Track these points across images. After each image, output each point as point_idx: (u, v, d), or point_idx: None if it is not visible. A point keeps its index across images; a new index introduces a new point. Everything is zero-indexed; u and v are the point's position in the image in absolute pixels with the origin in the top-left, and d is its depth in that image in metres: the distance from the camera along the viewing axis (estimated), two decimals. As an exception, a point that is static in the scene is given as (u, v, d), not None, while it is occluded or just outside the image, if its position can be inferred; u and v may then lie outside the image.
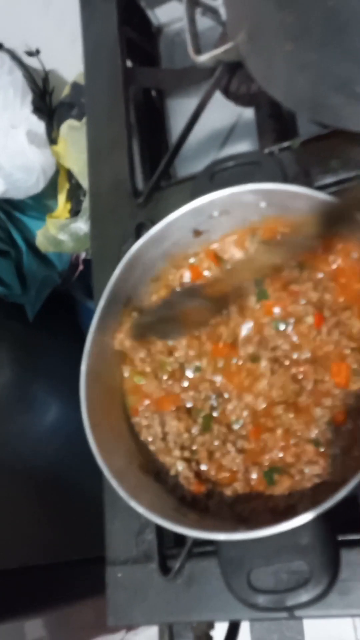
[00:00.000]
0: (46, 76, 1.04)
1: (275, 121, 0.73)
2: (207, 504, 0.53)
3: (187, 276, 0.60)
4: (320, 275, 0.52)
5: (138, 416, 0.57)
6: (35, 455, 1.13)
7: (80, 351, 0.55)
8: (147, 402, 0.57)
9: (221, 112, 0.84)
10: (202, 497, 0.54)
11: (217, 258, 0.59)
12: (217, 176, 0.58)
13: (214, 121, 0.85)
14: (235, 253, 0.59)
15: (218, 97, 0.78)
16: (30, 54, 1.02)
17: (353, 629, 1.28)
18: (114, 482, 0.49)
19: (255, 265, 0.52)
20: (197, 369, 0.56)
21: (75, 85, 0.96)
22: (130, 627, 1.24)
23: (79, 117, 0.93)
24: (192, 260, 0.60)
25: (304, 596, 0.43)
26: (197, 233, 0.57)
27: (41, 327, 1.22)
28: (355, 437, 0.48)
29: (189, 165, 0.83)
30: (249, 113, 0.83)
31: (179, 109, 0.91)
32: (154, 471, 0.55)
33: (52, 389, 1.21)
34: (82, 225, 0.92)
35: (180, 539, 0.61)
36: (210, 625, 0.61)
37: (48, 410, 1.19)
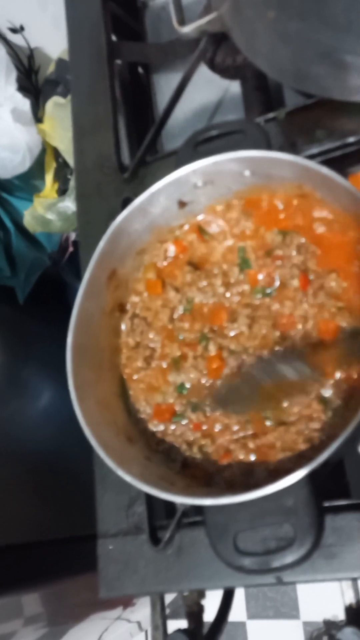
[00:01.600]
0: (31, 53, 1.02)
1: (262, 93, 0.73)
2: (196, 473, 0.54)
3: (171, 250, 0.60)
4: (302, 240, 0.52)
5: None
6: (28, 438, 1.13)
7: None
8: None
9: (207, 87, 0.83)
10: (193, 466, 0.54)
11: (202, 231, 0.59)
12: (201, 147, 0.58)
13: (200, 97, 0.84)
14: (220, 225, 0.59)
15: (204, 73, 0.78)
16: (14, 30, 1.01)
17: (343, 605, 1.30)
18: (101, 453, 0.49)
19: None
20: None
21: (60, 62, 0.95)
22: (127, 605, 1.25)
23: (64, 94, 0.92)
24: (177, 233, 0.59)
25: (288, 557, 0.44)
26: (181, 204, 0.57)
27: (32, 310, 1.22)
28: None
29: (176, 141, 0.82)
30: (235, 88, 0.83)
31: (166, 85, 0.90)
32: (144, 441, 0.55)
33: (43, 372, 1.21)
34: (69, 204, 0.91)
35: (170, 511, 0.62)
36: (201, 594, 0.62)
37: (40, 393, 1.19)
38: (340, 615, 1.32)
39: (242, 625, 1.42)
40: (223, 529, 0.46)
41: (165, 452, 0.54)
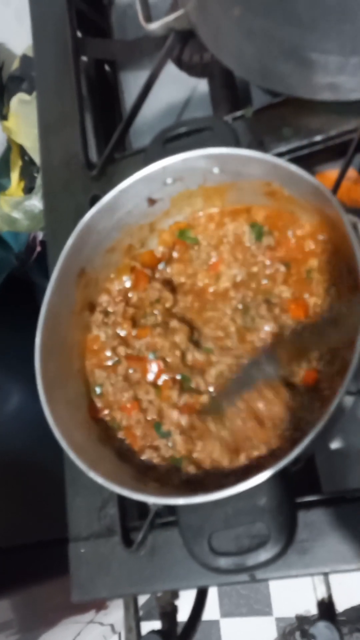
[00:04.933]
0: (-6, 50, 1.01)
1: (229, 91, 0.73)
2: (166, 475, 0.53)
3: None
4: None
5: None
6: (-3, 441, 1.11)
7: None
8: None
9: (175, 85, 0.83)
10: (162, 467, 0.54)
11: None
12: (170, 144, 0.57)
13: (168, 95, 0.84)
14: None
15: (172, 70, 0.78)
16: (-24, 26, 0.98)
17: (315, 600, 1.31)
18: (71, 454, 0.48)
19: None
20: None
21: (24, 58, 0.93)
22: (100, 607, 1.24)
23: (29, 91, 0.90)
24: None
25: (263, 556, 0.44)
26: (151, 202, 0.56)
27: (-1, 312, 1.19)
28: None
29: (144, 138, 0.81)
30: (203, 86, 0.83)
31: (134, 82, 0.89)
32: (112, 442, 0.54)
33: (12, 373, 1.19)
34: (36, 203, 0.90)
35: (142, 512, 0.62)
36: (175, 595, 0.62)
37: (8, 395, 1.17)
38: (313, 610, 1.33)
39: (215, 623, 1.42)
40: (197, 529, 0.46)
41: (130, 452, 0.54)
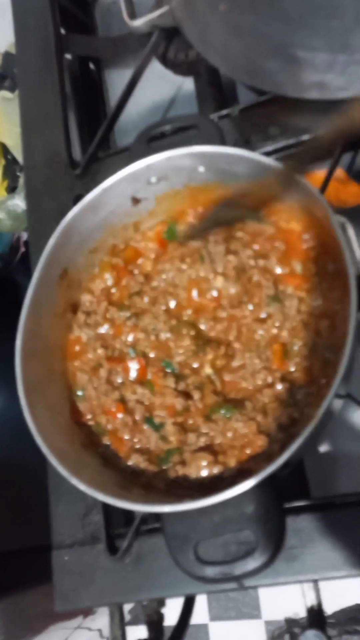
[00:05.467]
0: (-24, 47, 0.98)
1: (215, 90, 0.72)
2: (152, 481, 0.52)
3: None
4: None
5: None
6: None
7: None
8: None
9: (160, 83, 0.82)
10: (148, 473, 0.52)
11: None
12: (154, 143, 0.56)
13: (153, 93, 0.83)
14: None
15: (157, 69, 0.77)
16: None
17: (304, 605, 1.31)
18: (53, 460, 0.47)
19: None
20: None
21: (6, 55, 0.92)
22: (87, 613, 1.22)
23: (11, 89, 0.89)
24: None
25: (251, 564, 0.43)
26: (135, 201, 0.55)
27: (-19, 314, 1.17)
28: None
29: (128, 137, 0.80)
30: (188, 85, 0.82)
31: (118, 80, 0.88)
32: (95, 447, 0.53)
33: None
34: (19, 202, 0.88)
35: (128, 518, 0.60)
36: (161, 603, 0.61)
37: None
38: (302, 613, 1.32)
39: (204, 627, 1.41)
40: (183, 538, 0.45)
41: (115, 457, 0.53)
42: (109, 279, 0.58)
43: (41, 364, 0.53)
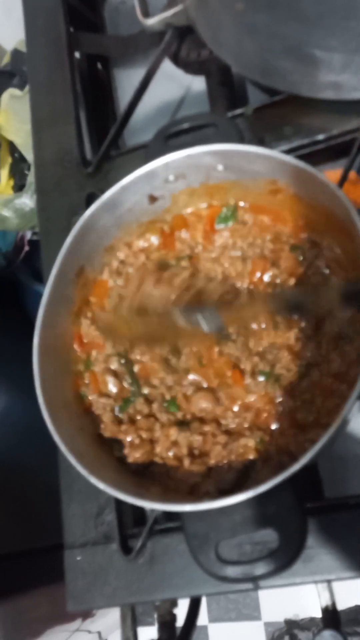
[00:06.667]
0: (-17, 45, 0.98)
1: (227, 89, 0.72)
2: (167, 481, 0.52)
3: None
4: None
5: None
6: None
7: (27, 337, 0.51)
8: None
9: (170, 83, 0.81)
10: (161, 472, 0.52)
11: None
12: (172, 141, 0.56)
13: (162, 92, 0.83)
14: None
15: (167, 69, 0.76)
16: (-36, 20, 0.96)
17: (302, 608, 1.30)
18: (72, 460, 0.46)
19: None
20: None
21: (15, 53, 0.91)
22: (86, 615, 1.22)
23: (21, 86, 0.88)
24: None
25: (272, 564, 0.43)
26: (152, 199, 0.55)
27: (-15, 313, 1.16)
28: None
29: (138, 136, 0.80)
30: (198, 85, 0.81)
31: (127, 80, 0.88)
32: (111, 447, 0.53)
33: (-1, 378, 1.16)
34: (27, 201, 0.87)
35: (140, 519, 0.60)
36: (174, 604, 0.60)
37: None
38: (301, 614, 1.32)
39: (204, 629, 1.40)
40: (204, 537, 0.44)
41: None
42: (153, 240, 0.58)
43: (58, 361, 0.53)
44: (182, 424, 0.52)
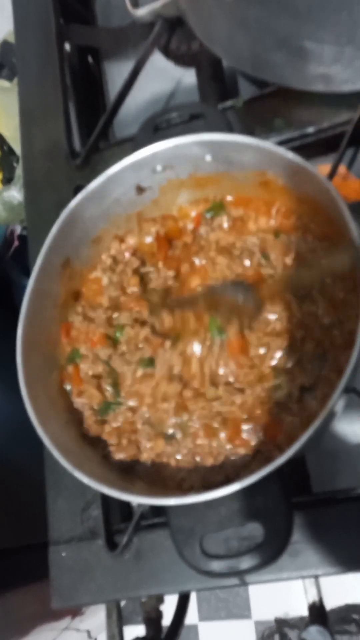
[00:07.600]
0: (-28, 36, 0.97)
1: (217, 81, 0.71)
2: (154, 476, 0.51)
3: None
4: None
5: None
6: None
7: (16, 334, 0.50)
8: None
9: (160, 76, 0.81)
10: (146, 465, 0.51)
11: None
12: (160, 132, 0.55)
13: (152, 85, 0.82)
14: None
15: (157, 62, 0.76)
16: None
17: (292, 606, 1.30)
18: (56, 453, 0.46)
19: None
20: None
21: (4, 44, 0.90)
22: (75, 614, 1.21)
23: (9, 78, 0.87)
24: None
25: (257, 558, 0.42)
26: (140, 190, 0.54)
27: (-28, 309, 1.15)
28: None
29: (127, 129, 0.80)
30: (188, 77, 0.81)
31: (117, 72, 0.87)
32: (97, 442, 0.52)
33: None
34: (15, 194, 0.87)
35: (127, 515, 0.59)
36: (160, 600, 0.60)
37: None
38: (292, 613, 1.32)
39: (194, 627, 1.40)
40: (189, 532, 0.44)
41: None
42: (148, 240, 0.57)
43: (42, 355, 0.52)
44: (169, 437, 0.51)
